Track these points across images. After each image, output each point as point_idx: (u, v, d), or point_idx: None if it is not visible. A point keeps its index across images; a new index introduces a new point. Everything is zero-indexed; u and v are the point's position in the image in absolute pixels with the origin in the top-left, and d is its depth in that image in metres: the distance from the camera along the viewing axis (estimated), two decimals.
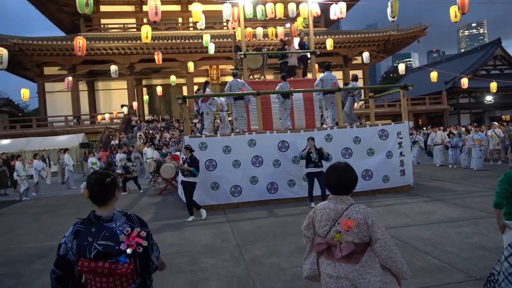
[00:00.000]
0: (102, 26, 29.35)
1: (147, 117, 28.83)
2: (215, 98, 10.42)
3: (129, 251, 1.87)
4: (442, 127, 19.18)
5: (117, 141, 21.68)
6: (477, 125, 15.22)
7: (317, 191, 8.12)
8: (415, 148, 15.76)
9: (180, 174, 8.42)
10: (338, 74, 30.79)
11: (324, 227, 2.20)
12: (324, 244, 2.20)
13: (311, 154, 7.95)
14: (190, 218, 7.60)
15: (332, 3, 12.50)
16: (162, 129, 24.82)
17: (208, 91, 10.21)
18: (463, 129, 18.18)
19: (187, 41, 26.22)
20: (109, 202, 2.01)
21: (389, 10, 11.07)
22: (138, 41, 25.21)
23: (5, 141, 21.86)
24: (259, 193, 8.78)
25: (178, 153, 15.23)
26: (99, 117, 25.40)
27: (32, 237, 7.14)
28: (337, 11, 12.19)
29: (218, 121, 14.66)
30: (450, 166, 14.07)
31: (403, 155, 9.45)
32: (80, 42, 12.03)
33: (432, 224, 6.14)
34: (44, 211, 9.98)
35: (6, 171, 14.08)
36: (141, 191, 12.58)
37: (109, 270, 1.85)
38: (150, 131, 24.05)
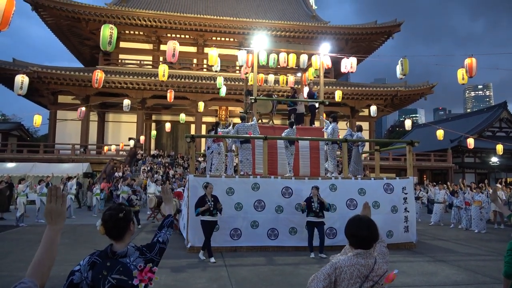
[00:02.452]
0: (119, 61, 30.43)
1: (152, 152, 29.05)
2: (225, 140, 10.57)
3: (141, 286, 1.95)
4: (445, 185, 19.06)
5: (120, 173, 21.71)
6: (477, 186, 15.03)
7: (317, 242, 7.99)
8: (417, 204, 15.58)
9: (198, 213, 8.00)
10: (345, 125, 31.26)
11: (354, 285, 2.08)
12: None
13: (313, 203, 7.90)
14: (212, 259, 7.50)
15: (343, 57, 12.98)
16: (166, 164, 24.90)
17: (219, 131, 10.38)
18: (468, 188, 18.01)
19: (200, 81, 26.99)
20: (125, 237, 2.10)
21: (399, 68, 11.45)
22: (153, 78, 26.03)
23: (11, 164, 22.00)
24: (259, 238, 8.63)
25: (181, 189, 15.19)
26: (106, 148, 25.65)
27: (25, 264, 6.96)
28: (348, 65, 12.63)
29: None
30: (452, 226, 13.80)
31: (408, 211, 9.34)
32: (98, 75, 12.46)
33: (435, 286, 5.95)
34: (40, 239, 9.81)
35: (7, 193, 14.09)
36: (139, 226, 12.42)
37: None
38: (154, 166, 24.11)
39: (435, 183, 19.91)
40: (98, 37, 8.56)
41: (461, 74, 11.40)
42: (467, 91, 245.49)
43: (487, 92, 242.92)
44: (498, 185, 15.35)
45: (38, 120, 18.09)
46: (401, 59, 11.36)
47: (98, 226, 2.09)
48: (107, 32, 7.72)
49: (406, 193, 9.42)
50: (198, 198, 7.68)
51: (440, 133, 22.59)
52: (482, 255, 8.50)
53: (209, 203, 7.46)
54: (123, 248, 2.05)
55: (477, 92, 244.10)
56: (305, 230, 8.62)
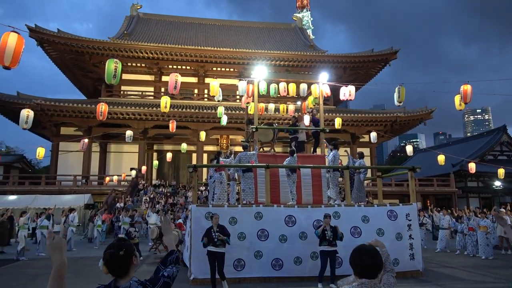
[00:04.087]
0: (122, 92, 30.95)
1: (154, 182, 29.00)
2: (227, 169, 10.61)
3: None
4: (449, 210, 18.87)
5: (122, 204, 21.60)
6: (482, 211, 14.87)
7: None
8: (421, 230, 15.37)
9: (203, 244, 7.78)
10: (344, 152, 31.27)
11: None
12: None
13: (326, 232, 7.80)
14: None
15: (342, 85, 13.22)
16: (168, 194, 24.80)
17: (221, 161, 10.44)
18: (472, 214, 17.83)
19: (202, 111, 27.32)
20: (129, 272, 2.10)
21: (396, 95, 11.64)
22: (155, 108, 26.36)
23: (12, 197, 21.94)
24: (263, 269, 8.50)
25: (181, 220, 15.06)
26: (107, 178, 25.64)
27: None
28: (347, 93, 12.84)
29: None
30: (458, 252, 13.57)
31: (413, 238, 9.24)
32: (102, 107, 12.68)
33: None
34: (41, 273, 9.70)
35: (8, 226, 13.99)
36: (141, 258, 12.24)
37: None
38: (156, 196, 24.01)
39: (439, 209, 19.74)
40: (101, 69, 8.83)
41: (458, 100, 11.57)
42: (466, 116, 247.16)
43: (486, 116, 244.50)
44: (502, 209, 15.19)
45: (41, 152, 18.22)
46: (398, 86, 11.56)
47: (100, 266, 2.10)
48: (112, 66, 7.95)
49: (410, 220, 9.35)
50: (205, 230, 7.57)
51: (441, 158, 22.60)
52: (491, 283, 8.34)
53: (214, 234, 7.36)
54: (126, 283, 2.05)
55: (476, 116, 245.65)
56: (310, 260, 8.51)
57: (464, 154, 31.13)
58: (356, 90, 14.11)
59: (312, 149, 12.85)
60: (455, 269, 10.21)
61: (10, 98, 25.51)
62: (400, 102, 11.55)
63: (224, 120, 17.15)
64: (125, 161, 29.75)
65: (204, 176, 26.80)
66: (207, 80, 31.20)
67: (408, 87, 11.84)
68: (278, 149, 28.02)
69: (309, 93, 13.10)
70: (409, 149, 25.72)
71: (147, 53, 28.93)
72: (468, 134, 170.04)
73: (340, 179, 11.28)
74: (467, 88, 11.00)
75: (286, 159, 10.09)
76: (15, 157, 35.72)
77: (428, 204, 33.14)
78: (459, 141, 44.40)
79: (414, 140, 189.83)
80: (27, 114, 12.27)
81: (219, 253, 7.39)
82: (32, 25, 26.08)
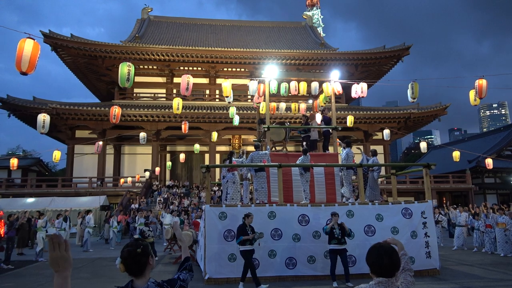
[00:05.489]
0: (134, 94, 31.31)
1: (168, 182, 29.26)
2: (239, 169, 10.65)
3: None
4: (466, 207, 18.54)
5: (137, 205, 21.87)
6: (500, 208, 14.58)
7: (338, 270, 7.82)
8: (437, 228, 15.15)
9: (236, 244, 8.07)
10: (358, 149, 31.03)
11: None
12: None
13: (334, 230, 7.82)
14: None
15: (354, 83, 13.12)
16: (181, 195, 25.00)
17: (233, 161, 10.48)
18: (491, 210, 17.50)
19: (213, 111, 27.45)
20: (145, 272, 2.12)
21: (409, 92, 11.48)
22: (167, 110, 26.60)
23: (30, 200, 22.43)
24: (276, 268, 8.50)
25: (198, 219, 15.17)
26: (122, 180, 25.99)
27: None
28: (359, 90, 12.74)
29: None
30: (475, 249, 13.34)
31: (428, 236, 9.12)
32: (116, 110, 12.85)
33: None
34: None
35: (27, 228, 14.31)
36: (156, 258, 12.37)
37: None
38: (171, 196, 24.23)
39: (455, 206, 19.42)
40: (114, 73, 8.97)
41: (473, 95, 11.36)
42: (482, 111, 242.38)
43: (502, 110, 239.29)
44: None
45: (57, 155, 18.61)
46: (412, 83, 11.40)
47: (117, 264, 2.10)
48: (125, 69, 8.05)
49: (425, 217, 9.23)
50: (239, 227, 7.78)
51: (456, 154, 22.22)
52: (509, 280, 8.17)
53: (249, 232, 7.64)
54: (144, 284, 2.07)
55: (492, 111, 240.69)
56: (323, 259, 8.48)
57: (481, 150, 30.53)
58: (368, 87, 14.06)
59: (322, 148, 12.78)
60: (473, 266, 10.04)
61: (26, 103, 26.08)
62: (414, 99, 11.39)
63: (236, 120, 17.19)
64: (139, 163, 30.11)
65: (217, 177, 26.92)
66: (218, 80, 31.34)
67: (421, 83, 11.70)
68: (290, 148, 27.96)
69: (321, 92, 13.02)
70: (423, 145, 25.40)
71: (158, 55, 29.20)
72: (484, 130, 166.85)
73: (354, 177, 11.20)
74: (482, 82, 10.79)
75: (299, 158, 10.07)
76: (32, 160, 36.45)
77: (444, 201, 32.71)
78: (475, 136, 43.59)
79: (428, 136, 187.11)
80: (43, 118, 12.54)
81: (253, 250, 7.77)
82: (46, 31, 26.59)
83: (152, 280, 2.14)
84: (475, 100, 11.34)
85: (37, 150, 54.57)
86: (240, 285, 7.62)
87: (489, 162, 22.19)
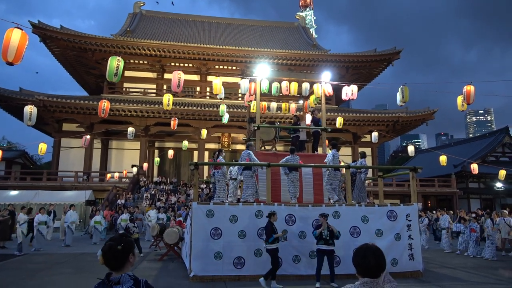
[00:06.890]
0: (124, 89, 30.98)
1: (155, 179, 29.05)
2: (225, 167, 10.62)
3: None
4: (451, 211, 18.84)
5: (123, 201, 21.66)
6: (485, 213, 14.87)
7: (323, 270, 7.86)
8: (425, 230, 15.39)
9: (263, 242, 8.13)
10: (347, 151, 31.30)
11: None
12: None
13: (323, 231, 7.84)
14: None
15: (344, 85, 13.18)
16: (169, 191, 24.85)
17: (220, 159, 10.45)
18: (473, 215, 17.81)
19: (203, 109, 27.33)
20: (123, 268, 2.15)
21: (399, 95, 11.60)
22: (157, 105, 26.39)
23: (14, 192, 22.01)
24: (262, 267, 8.49)
25: (181, 218, 15.10)
26: (109, 175, 25.69)
27: None
28: (349, 92, 12.80)
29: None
30: (458, 252, 13.58)
31: (412, 238, 9.23)
32: (105, 104, 12.66)
33: None
34: (40, 268, 9.73)
35: (9, 222, 14.02)
36: (141, 254, 12.27)
37: None
38: (158, 193, 24.05)
39: (440, 209, 19.74)
40: (103, 66, 8.86)
41: (460, 101, 11.54)
42: (468, 116, 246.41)
43: (488, 117, 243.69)
44: (505, 211, 15.18)
45: (43, 148, 18.27)
46: (401, 86, 11.53)
47: (98, 256, 2.17)
48: (114, 63, 7.94)
49: (410, 220, 9.34)
50: (267, 226, 7.77)
51: (443, 159, 22.54)
52: (492, 284, 8.34)
53: (276, 230, 7.73)
54: (118, 275, 2.12)
55: (478, 117, 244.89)
56: (308, 258, 8.52)
57: (466, 155, 31.05)
58: (359, 90, 14.09)
59: (311, 149, 12.83)
60: (455, 269, 10.21)
61: (12, 94, 25.60)
62: (403, 102, 11.52)
63: (225, 118, 17.13)
64: (126, 158, 29.82)
65: (205, 174, 26.83)
66: (209, 78, 31.21)
67: (410, 87, 11.80)
68: (280, 147, 27.99)
69: (311, 92, 13.06)
70: (410, 149, 25.67)
71: (149, 50, 28.94)
72: (470, 135, 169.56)
73: (343, 178, 11.26)
74: (470, 88, 10.96)
75: (285, 158, 10.06)
76: (17, 152, 35.83)
77: (429, 205, 33.17)
78: (461, 142, 44.33)
79: (416, 140, 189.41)
80: (30, 110, 12.29)
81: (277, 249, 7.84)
82: (35, 21, 26.11)
83: (129, 273, 2.18)
84: (462, 105, 11.51)
85: (22, 143, 53.62)
86: (273, 283, 7.63)
87: (474, 167, 22.56)
